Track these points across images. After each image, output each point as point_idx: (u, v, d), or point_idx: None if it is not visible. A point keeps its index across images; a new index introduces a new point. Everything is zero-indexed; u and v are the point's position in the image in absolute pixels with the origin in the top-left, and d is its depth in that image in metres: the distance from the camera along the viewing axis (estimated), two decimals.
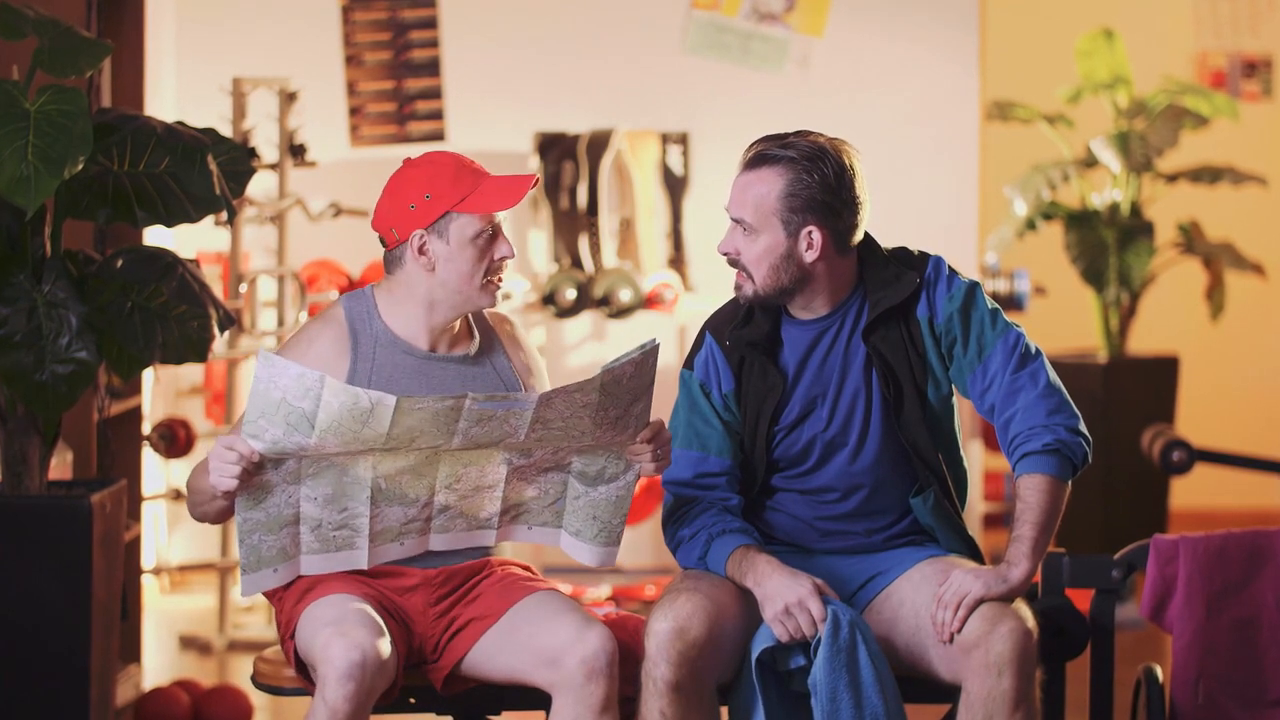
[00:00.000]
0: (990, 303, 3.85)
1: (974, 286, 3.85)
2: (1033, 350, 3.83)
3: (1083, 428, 3.79)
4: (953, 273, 3.86)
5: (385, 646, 3.63)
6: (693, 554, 3.81)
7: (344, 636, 3.58)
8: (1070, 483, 3.78)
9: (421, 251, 3.78)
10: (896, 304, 3.80)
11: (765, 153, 3.79)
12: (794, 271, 3.78)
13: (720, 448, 3.85)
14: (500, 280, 3.82)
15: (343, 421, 3.52)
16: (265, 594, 3.78)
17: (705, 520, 3.81)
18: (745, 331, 3.84)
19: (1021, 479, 3.77)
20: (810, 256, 3.77)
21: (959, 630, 3.66)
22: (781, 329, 3.86)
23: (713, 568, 3.78)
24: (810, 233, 3.76)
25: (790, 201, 3.75)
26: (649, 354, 3.58)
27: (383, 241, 3.82)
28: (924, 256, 3.87)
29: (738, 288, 3.83)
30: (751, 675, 3.69)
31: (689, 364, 3.92)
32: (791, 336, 3.85)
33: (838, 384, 3.83)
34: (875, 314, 3.80)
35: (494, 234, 3.79)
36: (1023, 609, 3.68)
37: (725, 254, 3.82)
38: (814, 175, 3.75)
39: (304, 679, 3.73)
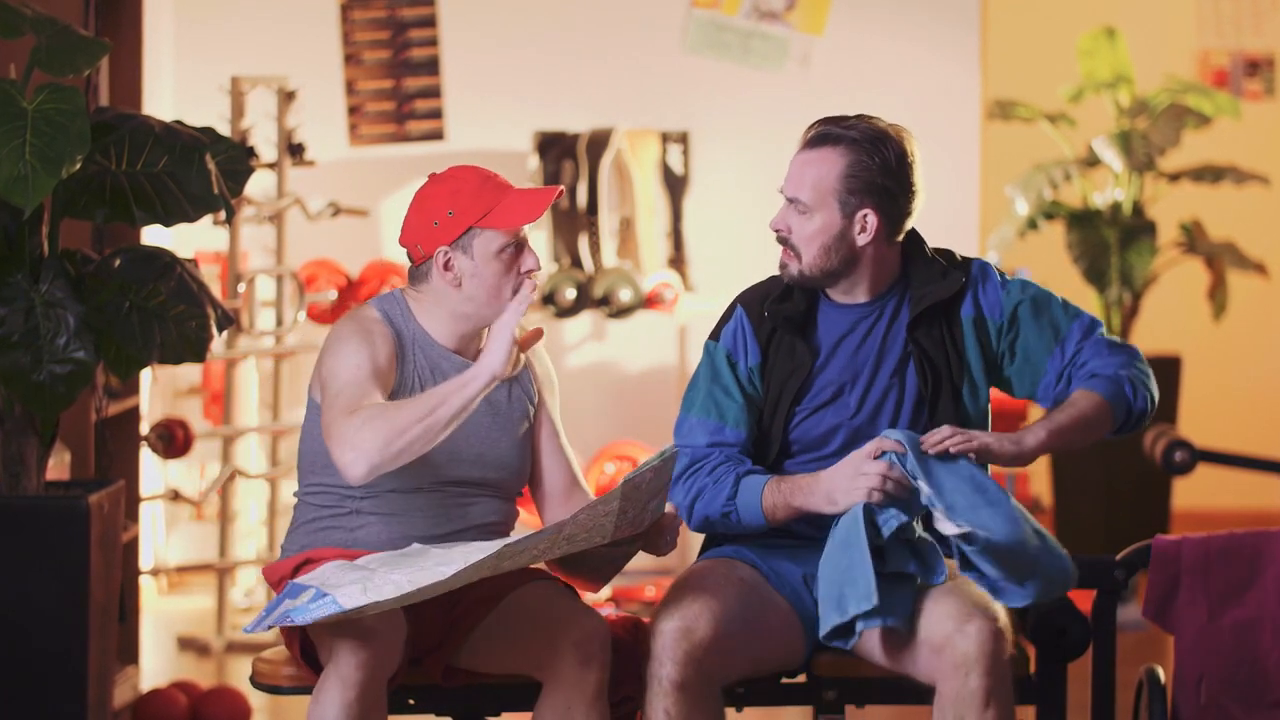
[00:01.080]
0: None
1: (1026, 281, 3.87)
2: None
3: (1153, 386, 3.78)
4: (1001, 273, 3.86)
5: (397, 617, 3.62)
6: (719, 497, 3.77)
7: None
8: (1114, 424, 3.76)
9: (447, 268, 3.76)
10: (941, 301, 3.79)
11: (827, 132, 3.77)
12: (844, 253, 3.77)
13: (737, 420, 3.82)
14: (530, 291, 3.79)
15: (392, 604, 3.53)
16: (269, 582, 3.81)
17: (727, 468, 3.78)
18: (783, 307, 3.82)
19: (1077, 390, 3.78)
20: (863, 240, 3.76)
21: (948, 448, 3.65)
22: (819, 310, 3.84)
23: (744, 500, 3.74)
24: (866, 216, 3.75)
25: (850, 183, 3.74)
26: (668, 460, 3.57)
27: (409, 256, 3.81)
28: (967, 259, 3.86)
29: (783, 266, 3.80)
30: (857, 525, 3.64)
31: (715, 335, 3.89)
32: (828, 319, 3.83)
33: (870, 374, 3.82)
34: (919, 309, 3.79)
35: (519, 247, 3.77)
36: (994, 607, 3.66)
37: (776, 230, 3.80)
38: (875, 158, 3.75)
39: (307, 666, 3.71)
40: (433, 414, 3.55)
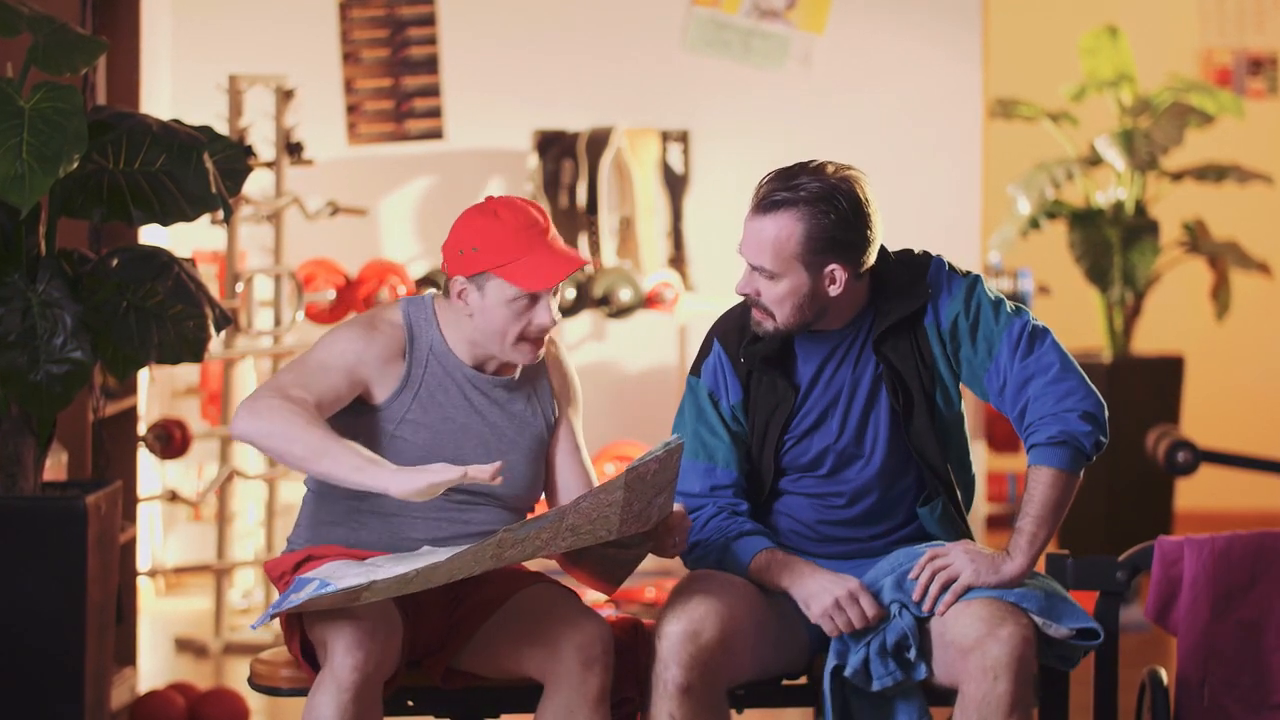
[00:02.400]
0: (992, 294, 3.80)
1: (974, 283, 3.80)
2: (1039, 331, 3.76)
3: (1094, 409, 3.71)
4: (952, 272, 3.81)
5: (394, 618, 3.61)
6: (708, 559, 3.79)
7: (353, 604, 3.57)
8: (1081, 472, 3.72)
9: (460, 297, 3.76)
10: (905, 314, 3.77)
11: (779, 196, 3.71)
12: (818, 306, 3.75)
13: (727, 459, 3.82)
14: (539, 343, 3.76)
15: (390, 585, 3.54)
16: (270, 577, 3.81)
17: (719, 524, 3.79)
18: (758, 347, 3.80)
19: (1029, 471, 3.74)
20: (835, 291, 3.74)
21: (941, 612, 3.66)
22: (795, 342, 3.82)
23: (730, 565, 3.76)
24: (833, 270, 3.72)
25: (811, 245, 3.70)
26: (673, 451, 3.56)
27: (444, 267, 3.81)
28: (926, 260, 3.81)
29: (757, 324, 3.78)
30: (825, 694, 3.69)
31: (696, 370, 3.87)
32: (806, 351, 3.82)
33: (849, 395, 3.80)
34: (884, 325, 3.77)
35: (532, 301, 3.74)
36: (1023, 614, 3.64)
37: (744, 295, 3.77)
38: (831, 215, 3.69)
39: (306, 664, 3.70)
40: (316, 457, 3.58)
